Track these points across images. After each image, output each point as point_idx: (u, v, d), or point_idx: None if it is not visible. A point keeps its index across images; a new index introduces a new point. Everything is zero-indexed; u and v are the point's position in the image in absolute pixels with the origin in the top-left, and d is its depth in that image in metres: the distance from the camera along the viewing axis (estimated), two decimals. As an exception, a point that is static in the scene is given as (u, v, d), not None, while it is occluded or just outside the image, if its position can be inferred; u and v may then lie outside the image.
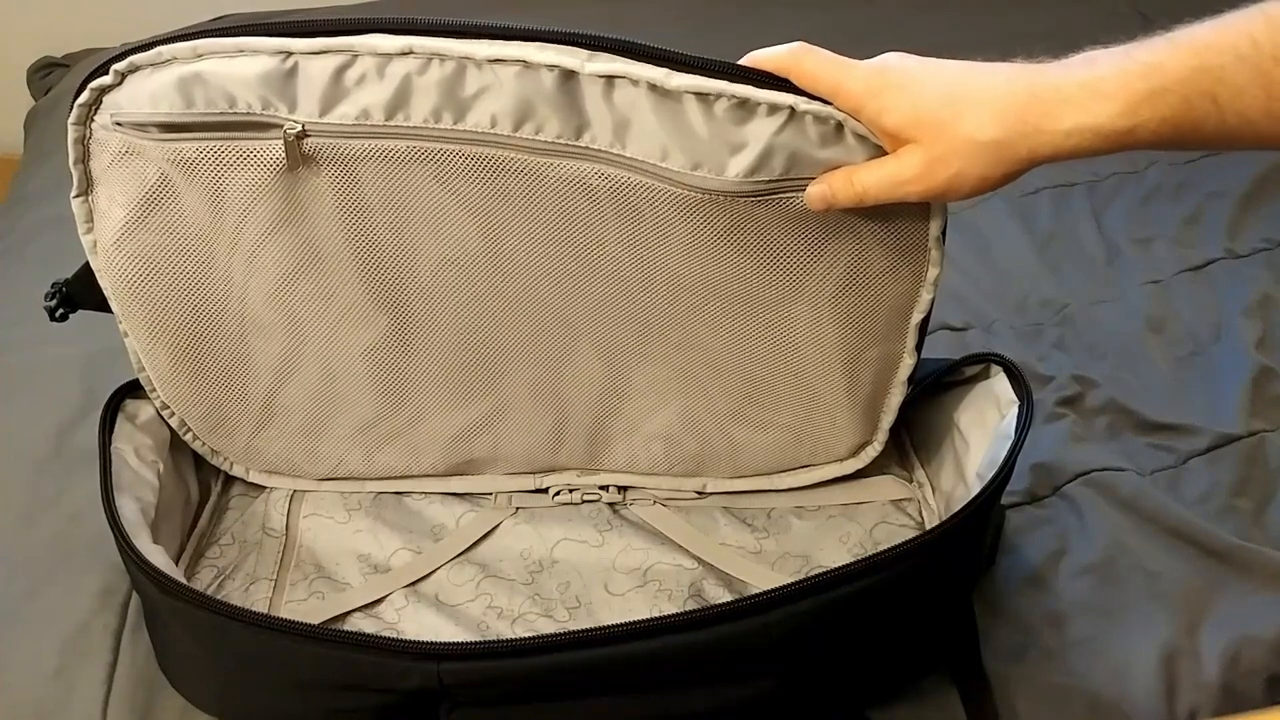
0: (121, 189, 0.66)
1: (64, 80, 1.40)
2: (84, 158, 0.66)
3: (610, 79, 0.60)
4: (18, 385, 0.93)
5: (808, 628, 0.64)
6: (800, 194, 0.63)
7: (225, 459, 0.81)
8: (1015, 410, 0.72)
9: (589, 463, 0.82)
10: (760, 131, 0.60)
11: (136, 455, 0.75)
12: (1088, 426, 0.91)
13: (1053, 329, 1.02)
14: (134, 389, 0.78)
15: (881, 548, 0.65)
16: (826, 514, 0.82)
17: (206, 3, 1.14)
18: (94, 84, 0.63)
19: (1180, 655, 0.74)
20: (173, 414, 0.78)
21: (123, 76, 0.63)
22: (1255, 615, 0.76)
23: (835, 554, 0.79)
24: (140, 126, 0.63)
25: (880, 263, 0.68)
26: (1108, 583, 0.79)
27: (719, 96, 0.60)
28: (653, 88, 0.60)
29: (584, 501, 0.82)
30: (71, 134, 0.65)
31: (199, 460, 0.82)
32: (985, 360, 0.77)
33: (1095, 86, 0.53)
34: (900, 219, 0.66)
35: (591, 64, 0.60)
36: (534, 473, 0.82)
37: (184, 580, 0.68)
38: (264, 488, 0.83)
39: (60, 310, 0.72)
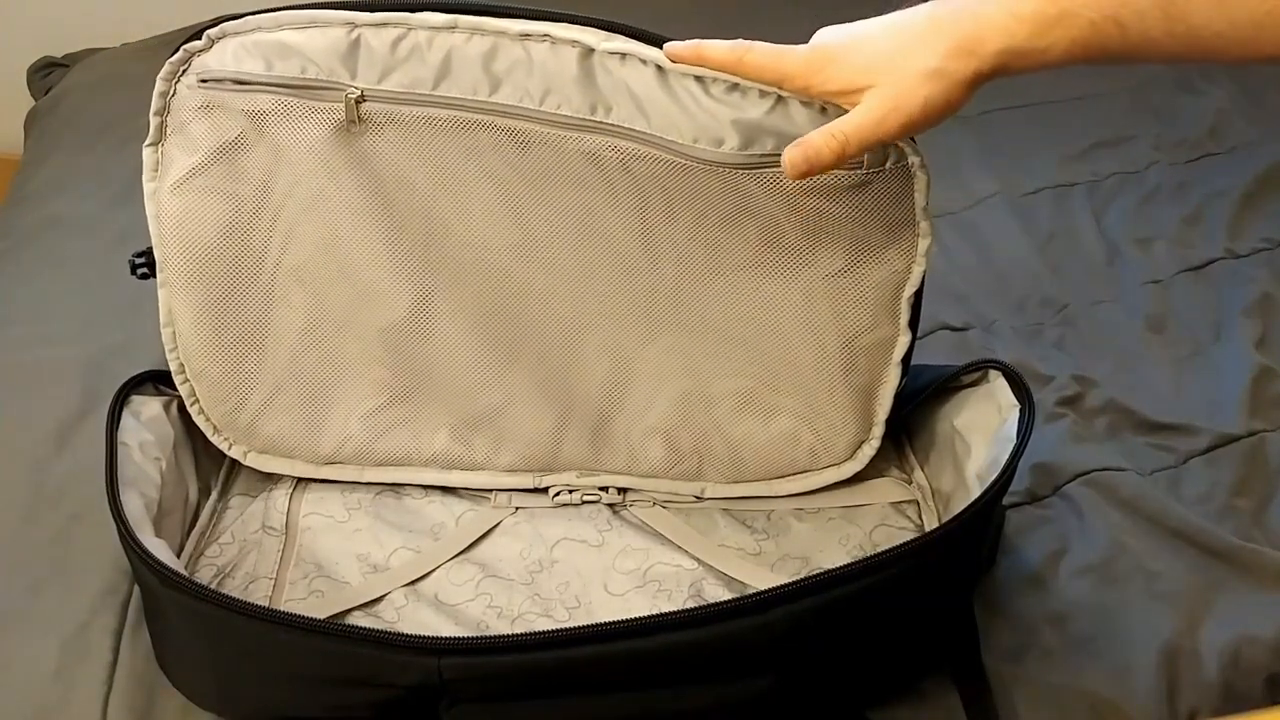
0: (198, 140, 0.72)
1: (64, 80, 1.40)
2: (164, 110, 0.72)
3: (623, 56, 0.68)
4: (18, 385, 0.93)
5: (807, 627, 0.64)
6: None
7: (226, 438, 0.81)
8: (1016, 413, 0.72)
9: (590, 462, 0.82)
10: (752, 111, 0.67)
11: (141, 451, 0.75)
12: (1088, 426, 0.91)
13: (1053, 329, 1.02)
14: (140, 384, 0.78)
15: (881, 549, 0.65)
16: (826, 516, 0.82)
17: (207, 2, 1.14)
18: (186, 46, 0.71)
19: (1180, 655, 0.74)
20: (185, 379, 0.79)
21: (213, 41, 0.70)
22: (1255, 615, 0.76)
23: (835, 556, 0.79)
24: (220, 81, 0.71)
25: (874, 240, 0.72)
26: (1108, 583, 0.79)
27: (715, 79, 0.67)
28: (659, 68, 0.68)
29: (584, 502, 0.82)
30: (158, 87, 0.71)
31: (199, 461, 0.82)
32: (984, 367, 0.78)
33: (1012, 10, 0.58)
34: (887, 195, 0.70)
35: (607, 43, 0.68)
36: (535, 471, 0.83)
37: (186, 574, 0.68)
38: (263, 489, 0.83)
39: (143, 271, 0.77)
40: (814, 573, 0.66)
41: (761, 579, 0.77)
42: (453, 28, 0.68)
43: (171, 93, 0.72)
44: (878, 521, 0.81)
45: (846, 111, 0.62)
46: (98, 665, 0.72)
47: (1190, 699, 0.72)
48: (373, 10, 0.69)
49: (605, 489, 0.83)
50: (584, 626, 0.63)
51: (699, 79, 0.67)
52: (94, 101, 1.32)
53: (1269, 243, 1.10)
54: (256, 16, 0.70)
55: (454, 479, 0.83)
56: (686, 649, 0.63)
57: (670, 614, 0.63)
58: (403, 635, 0.64)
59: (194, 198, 0.74)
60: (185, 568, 0.76)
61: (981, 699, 0.71)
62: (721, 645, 0.63)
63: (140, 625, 0.73)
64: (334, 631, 0.64)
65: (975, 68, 0.59)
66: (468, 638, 0.65)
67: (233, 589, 0.76)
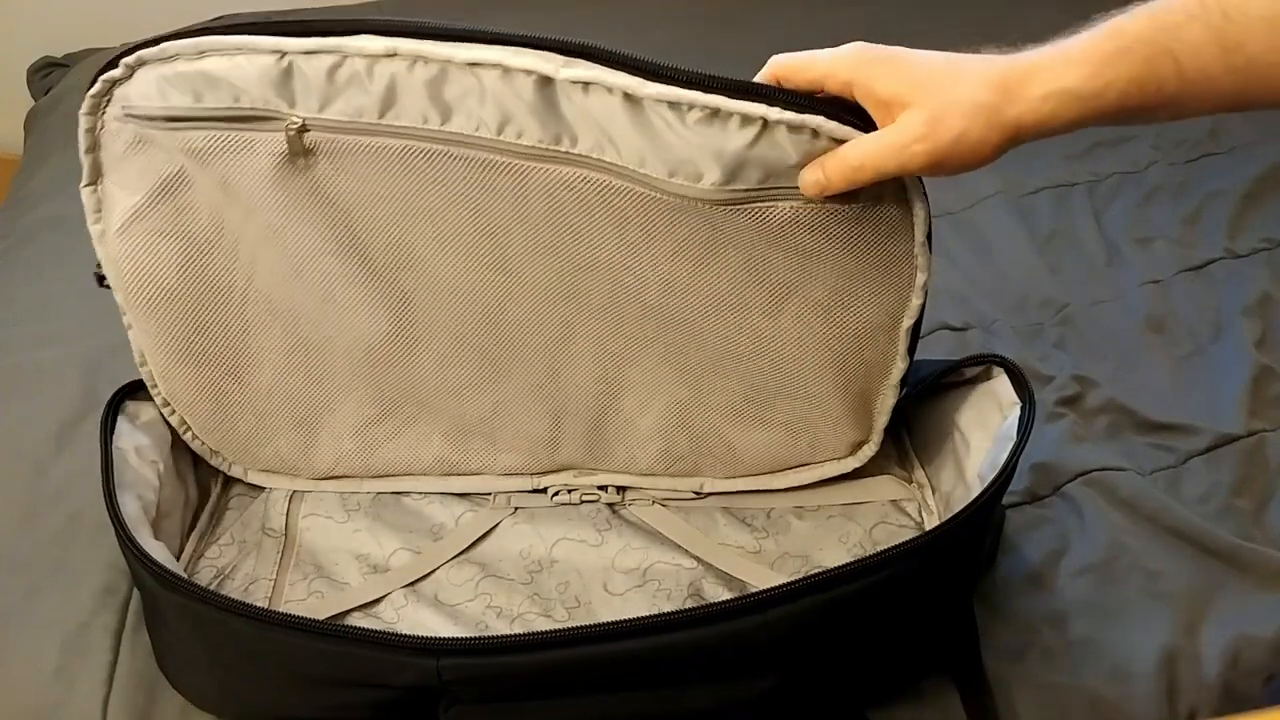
0: (136, 178, 0.68)
1: (64, 80, 1.41)
2: (95, 147, 0.68)
3: (586, 85, 0.61)
4: (18, 385, 0.93)
5: (807, 627, 0.64)
6: (780, 204, 0.64)
7: (224, 459, 0.81)
8: (1017, 411, 0.72)
9: (587, 463, 0.82)
10: (734, 142, 0.61)
11: (137, 454, 0.75)
12: (1088, 426, 0.91)
13: (1053, 329, 1.02)
14: (134, 389, 0.78)
15: (881, 548, 0.65)
16: (826, 514, 0.82)
17: (207, 2, 1.14)
18: (105, 76, 0.65)
19: (1180, 655, 0.74)
20: (173, 411, 0.78)
21: (131, 70, 0.65)
22: (1255, 615, 0.76)
23: (835, 554, 0.79)
24: (150, 119, 0.66)
25: (867, 274, 0.69)
26: (1108, 583, 0.79)
27: (691, 106, 0.61)
28: (627, 96, 0.61)
29: (583, 502, 0.82)
30: (83, 124, 0.67)
31: (198, 461, 0.82)
32: (986, 361, 0.77)
33: (1065, 54, 0.57)
34: (884, 228, 0.67)
35: (567, 70, 0.61)
36: (533, 473, 0.82)
37: (185, 576, 0.68)
38: (263, 488, 0.83)
39: (108, 283, 0.74)
40: (814, 572, 0.66)
41: (761, 578, 0.76)
42: (392, 54, 0.62)
43: (100, 127, 0.67)
44: (878, 519, 0.81)
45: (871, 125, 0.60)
46: (98, 665, 0.71)
47: (1190, 699, 0.72)
48: (304, 36, 0.62)
49: (604, 488, 0.82)
50: (583, 626, 0.63)
51: (673, 105, 0.61)
52: (94, 102, 1.32)
53: (1269, 243, 1.10)
54: (175, 43, 0.64)
55: (452, 485, 0.82)
56: (686, 649, 0.63)
57: (670, 614, 0.63)
58: (402, 636, 0.64)
59: (142, 240, 0.70)
60: (185, 569, 0.76)
61: (981, 699, 0.71)
62: (721, 645, 0.63)
63: (140, 625, 0.73)
64: (333, 632, 0.64)
65: (1017, 113, 0.56)
66: (467, 638, 0.65)
67: (232, 590, 0.76)
